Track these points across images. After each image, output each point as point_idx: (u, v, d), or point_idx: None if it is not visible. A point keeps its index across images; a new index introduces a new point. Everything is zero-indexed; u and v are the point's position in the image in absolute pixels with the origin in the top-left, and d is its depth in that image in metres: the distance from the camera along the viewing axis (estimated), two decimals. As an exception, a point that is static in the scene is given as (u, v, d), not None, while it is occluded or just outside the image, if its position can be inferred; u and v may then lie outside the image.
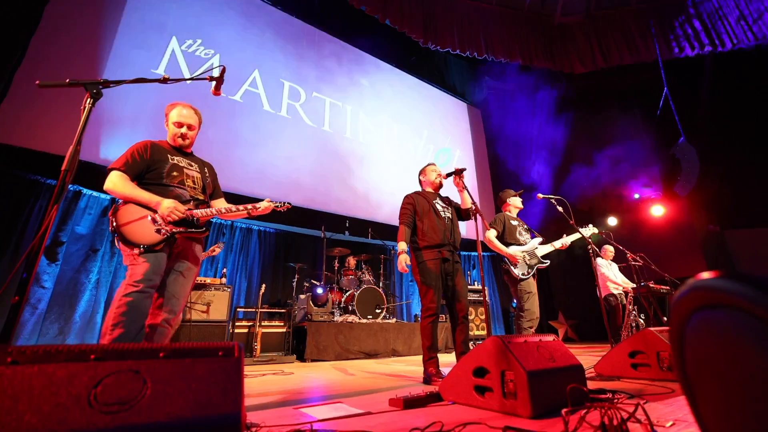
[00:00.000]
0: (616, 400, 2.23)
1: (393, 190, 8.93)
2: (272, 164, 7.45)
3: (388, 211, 8.62)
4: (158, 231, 2.41)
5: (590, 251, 4.21)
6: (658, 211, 9.88)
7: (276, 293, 7.38)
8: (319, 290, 6.66)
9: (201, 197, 2.68)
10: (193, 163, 2.73)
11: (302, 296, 6.73)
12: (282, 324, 5.95)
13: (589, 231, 4.39)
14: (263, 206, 2.72)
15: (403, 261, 3.15)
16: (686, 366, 0.83)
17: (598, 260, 6.59)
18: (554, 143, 11.16)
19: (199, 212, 2.57)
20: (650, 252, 7.05)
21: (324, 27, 9.20)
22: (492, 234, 4.08)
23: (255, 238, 7.68)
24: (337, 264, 7.38)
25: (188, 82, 2.35)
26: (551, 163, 11.01)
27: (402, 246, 3.24)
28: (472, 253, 10.42)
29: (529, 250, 4.10)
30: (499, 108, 12.12)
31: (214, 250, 4.68)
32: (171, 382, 1.17)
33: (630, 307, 6.03)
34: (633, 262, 5.97)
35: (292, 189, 7.47)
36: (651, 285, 5.91)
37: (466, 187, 3.39)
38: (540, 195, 4.19)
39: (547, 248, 4.22)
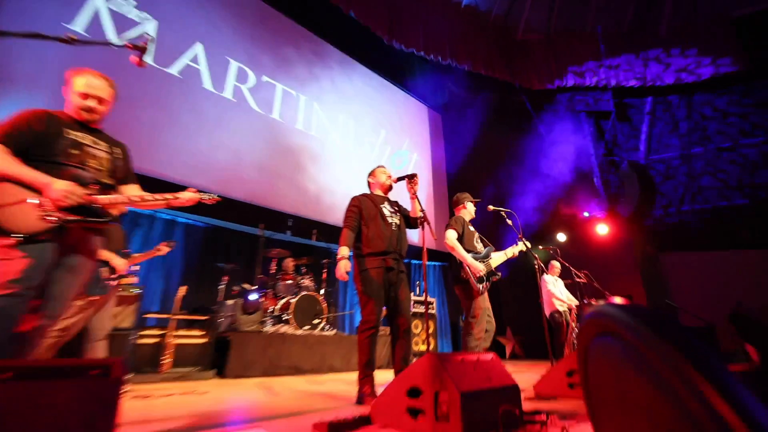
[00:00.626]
0: (547, 422, 2.22)
1: (346, 190, 8.33)
2: (210, 150, 6.70)
3: (339, 213, 7.98)
4: (45, 218, 2.05)
5: (536, 267, 4.21)
6: (602, 229, 10.05)
7: (199, 297, 6.57)
8: (251, 296, 6.01)
9: (108, 182, 2.35)
10: (99, 142, 2.38)
11: (230, 302, 6.08)
12: (202, 334, 5.23)
13: (521, 247, 4.28)
14: (186, 197, 2.48)
15: (343, 268, 2.99)
16: (589, 388, 0.91)
17: (545, 276, 6.50)
18: (512, 155, 11.03)
19: (103, 198, 2.23)
20: (594, 270, 7.10)
21: (284, 11, 8.61)
22: (453, 236, 3.83)
23: (179, 233, 6.93)
24: (274, 267, 6.75)
25: (111, 47, 1.90)
26: (507, 175, 10.86)
27: (343, 251, 3.06)
28: (419, 262, 9.96)
29: (484, 259, 3.89)
30: (459, 115, 11.97)
31: (160, 249, 4.09)
32: (13, 413, 0.95)
33: (574, 324, 6.04)
34: (577, 279, 6.12)
35: (231, 180, 6.79)
36: (593, 303, 5.87)
37: (416, 194, 3.23)
38: (490, 207, 4.21)
39: (500, 257, 4.03)
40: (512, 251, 4.11)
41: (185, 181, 6.17)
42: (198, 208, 6.01)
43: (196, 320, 5.29)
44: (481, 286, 3.74)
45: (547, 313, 6.29)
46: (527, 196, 10.38)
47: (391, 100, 10.70)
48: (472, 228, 4.09)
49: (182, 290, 5.35)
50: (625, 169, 10.01)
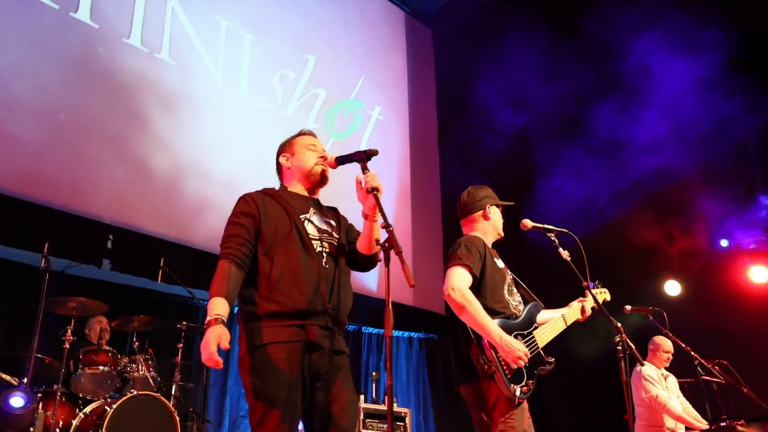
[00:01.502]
0: None
1: (230, 178, 5.82)
2: None
3: (216, 226, 5.49)
4: None
5: (620, 348, 2.83)
6: (761, 275, 6.87)
7: None
8: (15, 400, 4.12)
9: None
10: None
11: None
12: None
13: (591, 303, 3.14)
14: None
15: (215, 341, 1.95)
16: None
17: (642, 370, 4.84)
18: (573, 121, 7.70)
19: None
20: (740, 354, 5.20)
21: None
22: (464, 281, 2.69)
23: None
24: (70, 336, 4.47)
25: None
26: (553, 154, 7.59)
27: (217, 306, 2.05)
28: (376, 331, 7.13)
29: (525, 330, 2.81)
30: (467, 32, 8.50)
31: None
32: None
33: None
34: (708, 377, 4.70)
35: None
36: (739, 428, 4.56)
37: (378, 197, 2.10)
38: (527, 222, 3.03)
39: (555, 324, 2.96)
40: (575, 313, 3.09)
41: None
42: None
43: None
44: (518, 388, 2.67)
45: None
46: (599, 199, 7.04)
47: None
48: (500, 262, 3.01)
49: None
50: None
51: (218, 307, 2.08)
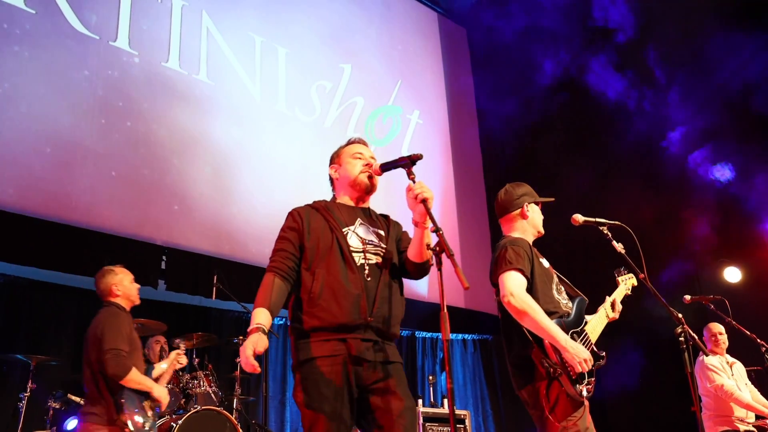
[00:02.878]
0: None
1: (275, 191, 5.74)
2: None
3: (262, 241, 5.41)
4: None
5: (682, 339, 2.76)
6: None
7: None
8: (72, 422, 4.16)
9: None
10: None
11: None
12: None
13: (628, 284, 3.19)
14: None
15: (252, 347, 1.99)
16: None
17: (706, 360, 4.71)
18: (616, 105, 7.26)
19: None
20: None
21: None
22: (521, 284, 2.64)
23: None
24: None
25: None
26: (601, 154, 7.40)
27: (259, 316, 2.09)
28: (429, 335, 7.04)
29: (577, 326, 2.73)
30: (505, 28, 7.94)
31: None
32: None
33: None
34: None
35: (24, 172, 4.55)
36: None
37: (427, 201, 2.05)
38: (578, 216, 2.92)
39: (600, 317, 2.90)
40: (608, 308, 2.99)
41: None
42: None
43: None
44: (584, 388, 2.61)
45: (713, 433, 4.67)
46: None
47: (365, 4, 7.54)
48: (545, 262, 2.91)
49: None
50: None
51: (259, 317, 2.13)
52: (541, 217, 3.08)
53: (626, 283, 3.17)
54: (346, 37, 7.05)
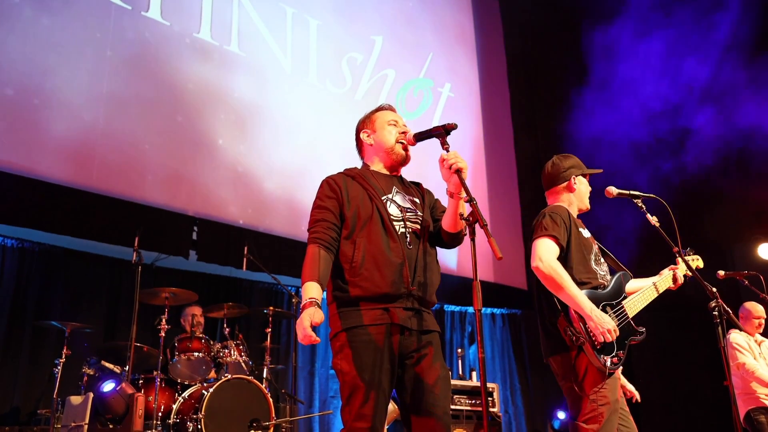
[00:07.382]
0: None
1: (306, 163, 5.76)
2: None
3: (292, 212, 5.45)
4: None
5: (716, 313, 2.73)
6: None
7: (7, 395, 4.63)
8: (109, 385, 4.13)
9: None
10: None
11: (75, 399, 4.15)
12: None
13: (683, 270, 3.00)
14: None
15: (308, 319, 2.01)
16: None
17: (734, 336, 4.66)
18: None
19: None
20: None
21: None
22: (552, 253, 2.63)
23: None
24: (165, 325, 4.46)
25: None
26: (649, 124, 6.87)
27: (311, 290, 2.08)
28: (458, 309, 7.02)
29: (613, 300, 2.72)
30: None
31: None
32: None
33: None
34: None
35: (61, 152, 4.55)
36: None
37: (461, 174, 2.02)
38: (612, 188, 2.94)
39: (645, 293, 2.85)
40: (667, 281, 2.97)
41: None
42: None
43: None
44: (608, 359, 2.61)
45: (742, 411, 4.59)
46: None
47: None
48: (586, 232, 2.89)
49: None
50: None
51: (311, 290, 2.12)
52: (589, 189, 3.04)
53: (691, 263, 3.07)
54: (378, 8, 6.95)
